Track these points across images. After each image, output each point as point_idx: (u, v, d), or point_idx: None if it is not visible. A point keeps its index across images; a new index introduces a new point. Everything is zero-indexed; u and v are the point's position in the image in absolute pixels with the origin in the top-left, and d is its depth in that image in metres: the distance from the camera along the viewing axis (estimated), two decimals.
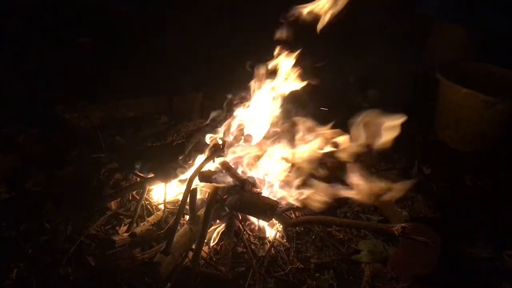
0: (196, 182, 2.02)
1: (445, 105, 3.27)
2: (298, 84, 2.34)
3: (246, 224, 2.16)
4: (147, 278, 1.87)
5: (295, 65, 2.32)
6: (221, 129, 2.37)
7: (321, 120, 2.25)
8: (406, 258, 1.97)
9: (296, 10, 2.18)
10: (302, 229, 2.25)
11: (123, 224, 2.22)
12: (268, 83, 2.36)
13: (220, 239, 2.10)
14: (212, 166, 2.15)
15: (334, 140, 2.07)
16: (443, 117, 3.31)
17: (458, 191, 2.70)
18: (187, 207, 1.99)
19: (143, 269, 1.89)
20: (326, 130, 2.15)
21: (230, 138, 2.27)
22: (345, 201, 2.49)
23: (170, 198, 2.32)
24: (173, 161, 2.17)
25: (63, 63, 3.56)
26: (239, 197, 2.01)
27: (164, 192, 2.27)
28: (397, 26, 4.12)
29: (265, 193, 2.20)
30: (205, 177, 2.01)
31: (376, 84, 3.78)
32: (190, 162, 2.19)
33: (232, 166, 2.14)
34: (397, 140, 1.95)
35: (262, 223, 2.15)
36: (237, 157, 2.24)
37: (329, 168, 2.26)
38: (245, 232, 2.05)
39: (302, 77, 2.33)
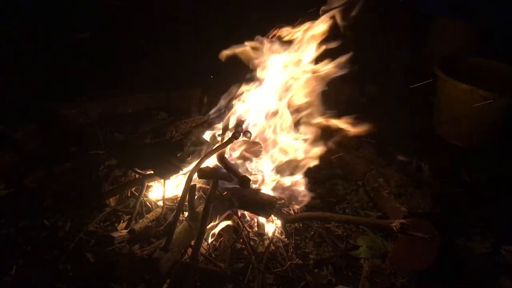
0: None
1: (443, 101, 3.27)
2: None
3: (245, 220, 2.17)
4: (146, 275, 1.88)
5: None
6: (220, 125, 2.37)
7: None
8: (405, 253, 1.98)
9: None
10: (301, 225, 2.26)
11: (122, 221, 2.22)
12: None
13: (219, 236, 2.10)
14: (211, 162, 2.15)
15: None
16: (442, 112, 3.31)
17: (457, 186, 2.71)
18: (186, 203, 1.99)
19: (142, 265, 1.90)
20: None
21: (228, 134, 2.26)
22: (344, 197, 2.51)
23: (169, 194, 2.32)
24: (172, 158, 2.16)
25: (61, 59, 3.54)
26: (238, 194, 2.01)
27: (163, 189, 2.27)
28: (396, 21, 4.11)
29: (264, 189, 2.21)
30: (204, 173, 2.01)
31: (375, 79, 3.78)
32: (189, 158, 2.18)
33: (231, 162, 2.14)
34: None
35: (261, 219, 2.15)
36: (236, 153, 2.24)
37: None
38: (244, 229, 2.06)
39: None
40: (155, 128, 2.91)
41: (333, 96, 2.36)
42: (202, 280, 1.89)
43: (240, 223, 2.07)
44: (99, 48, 3.77)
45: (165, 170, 2.19)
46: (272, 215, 2.06)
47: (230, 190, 2.05)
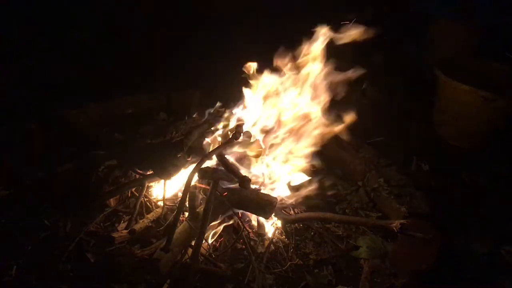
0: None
1: (443, 101, 3.27)
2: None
3: (246, 220, 2.17)
4: (146, 275, 1.88)
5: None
6: (220, 126, 2.38)
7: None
8: (405, 254, 1.98)
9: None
10: (301, 225, 2.26)
11: (122, 221, 2.22)
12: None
13: (220, 236, 2.10)
14: (211, 163, 2.16)
15: None
16: (442, 113, 3.32)
17: (457, 186, 2.71)
18: (187, 203, 1.99)
19: (142, 265, 1.90)
20: None
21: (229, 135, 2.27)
22: (344, 197, 2.51)
23: (169, 195, 2.32)
24: (172, 158, 2.17)
25: (61, 59, 3.55)
26: (239, 194, 2.02)
27: (163, 189, 2.27)
28: (396, 22, 4.11)
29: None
30: (205, 173, 2.01)
31: (375, 80, 3.78)
32: (189, 159, 2.19)
33: (232, 162, 2.14)
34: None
35: (261, 219, 2.15)
36: (236, 153, 2.24)
37: None
38: (244, 229, 2.06)
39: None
40: (155, 128, 2.91)
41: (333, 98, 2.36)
42: (202, 280, 1.89)
43: (241, 223, 2.07)
44: (99, 48, 3.77)
45: (165, 171, 2.19)
46: (272, 215, 2.06)
47: (230, 190, 2.05)
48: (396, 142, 3.06)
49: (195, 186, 1.99)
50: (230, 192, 2.03)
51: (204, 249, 1.98)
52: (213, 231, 2.07)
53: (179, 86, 3.41)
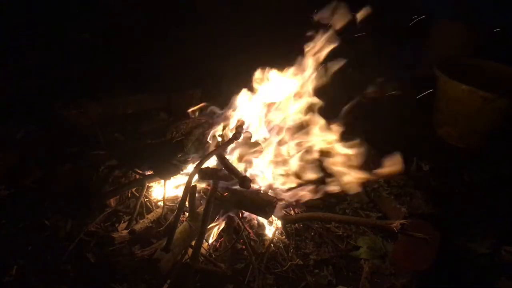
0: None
1: (443, 101, 3.27)
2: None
3: (246, 220, 2.17)
4: (146, 275, 1.88)
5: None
6: (220, 126, 2.37)
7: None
8: (405, 254, 1.98)
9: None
10: (301, 225, 2.26)
11: (122, 221, 2.22)
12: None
13: (220, 236, 2.10)
14: (211, 163, 2.15)
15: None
16: (442, 113, 3.32)
17: (457, 187, 2.71)
18: (187, 204, 1.99)
19: (142, 265, 1.90)
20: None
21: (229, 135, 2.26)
22: (344, 197, 2.51)
23: (169, 195, 2.32)
24: (172, 158, 2.16)
25: (61, 59, 3.55)
26: (239, 194, 2.02)
27: (163, 189, 2.27)
28: (396, 23, 4.11)
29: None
30: (205, 174, 2.01)
31: (375, 80, 3.78)
32: (190, 159, 2.19)
33: (232, 162, 2.14)
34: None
35: (262, 220, 2.15)
36: (236, 153, 2.24)
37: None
38: (244, 229, 2.06)
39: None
40: (156, 128, 2.91)
41: (334, 97, 2.35)
42: (202, 281, 1.89)
43: (241, 224, 2.07)
44: (100, 48, 3.77)
45: (165, 171, 2.19)
46: (272, 216, 2.06)
47: (230, 190, 2.05)
48: (396, 142, 3.05)
49: (195, 186, 1.99)
50: (230, 192, 2.03)
51: (204, 249, 1.98)
52: (213, 231, 2.07)
53: (179, 86, 3.41)
